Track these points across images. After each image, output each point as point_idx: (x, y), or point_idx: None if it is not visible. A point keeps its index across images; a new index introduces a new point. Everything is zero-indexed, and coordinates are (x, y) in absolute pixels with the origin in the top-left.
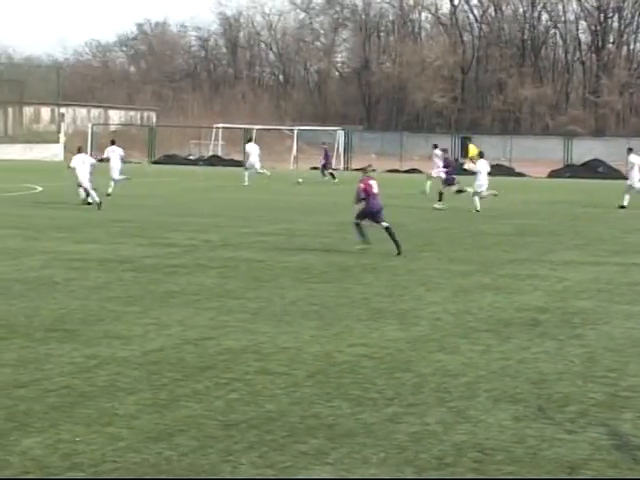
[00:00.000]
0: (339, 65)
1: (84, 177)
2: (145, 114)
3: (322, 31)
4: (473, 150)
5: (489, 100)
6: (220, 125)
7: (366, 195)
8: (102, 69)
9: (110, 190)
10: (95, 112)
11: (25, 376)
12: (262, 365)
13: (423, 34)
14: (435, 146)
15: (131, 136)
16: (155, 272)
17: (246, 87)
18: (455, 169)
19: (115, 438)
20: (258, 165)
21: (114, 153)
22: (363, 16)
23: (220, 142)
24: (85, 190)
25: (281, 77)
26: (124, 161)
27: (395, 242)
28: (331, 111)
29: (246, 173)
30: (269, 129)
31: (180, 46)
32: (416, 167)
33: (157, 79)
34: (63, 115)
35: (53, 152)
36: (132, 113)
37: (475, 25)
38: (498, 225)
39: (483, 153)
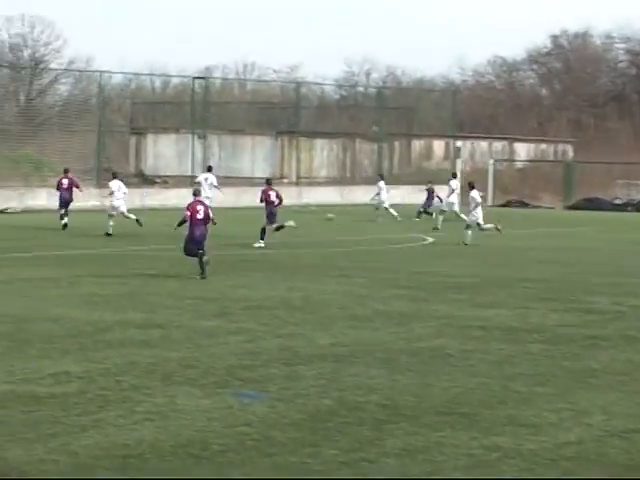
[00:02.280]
0: None
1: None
2: (560, 147)
3: None
4: None
5: None
6: None
7: None
8: (507, 92)
9: (468, 240)
10: (498, 145)
11: (413, 467)
12: None
13: None
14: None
15: (542, 174)
16: (571, 345)
17: None
18: None
19: None
20: None
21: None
22: None
23: None
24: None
25: None
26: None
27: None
28: None
29: None
30: None
31: (605, 62)
32: None
33: (575, 103)
34: (459, 149)
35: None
36: (543, 146)
37: None
38: None
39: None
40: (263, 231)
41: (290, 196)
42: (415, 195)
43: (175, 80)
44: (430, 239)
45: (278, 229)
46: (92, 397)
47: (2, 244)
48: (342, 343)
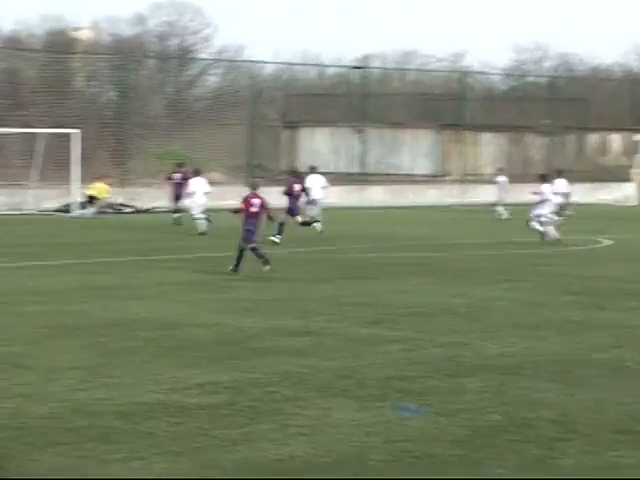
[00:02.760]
0: None
1: None
2: None
3: None
4: None
5: None
6: None
7: None
8: None
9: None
10: None
11: None
12: None
13: None
14: None
15: None
16: None
17: None
18: None
19: None
20: None
21: None
22: None
23: None
24: None
25: None
26: None
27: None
28: None
29: None
30: None
31: None
32: None
33: None
34: (638, 144)
35: (625, 193)
36: None
37: None
38: None
39: None
40: (281, 225)
41: (452, 195)
42: (589, 193)
43: (331, 70)
44: (607, 241)
45: (304, 224)
46: (242, 409)
47: (146, 245)
48: (509, 354)
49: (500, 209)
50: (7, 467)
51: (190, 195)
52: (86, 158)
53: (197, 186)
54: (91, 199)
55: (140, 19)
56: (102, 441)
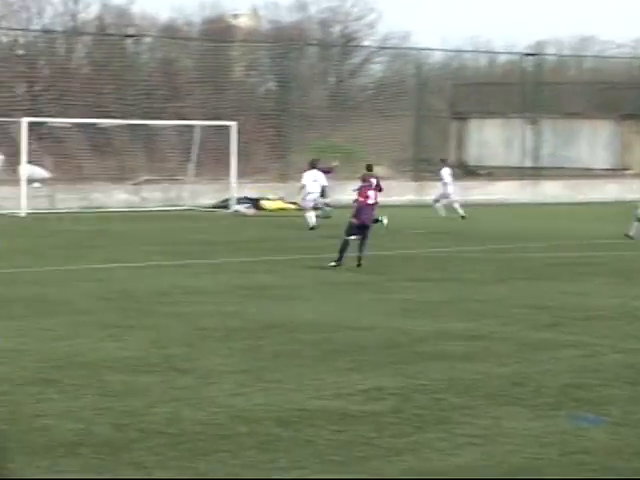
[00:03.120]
0: None
1: None
2: None
3: None
4: None
5: None
6: None
7: None
8: None
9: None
10: None
11: None
12: None
13: None
14: None
15: None
16: None
17: None
18: None
19: None
20: None
21: None
22: None
23: None
24: None
25: None
26: None
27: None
28: None
29: None
30: None
31: None
32: None
33: None
34: None
35: None
36: None
37: None
38: None
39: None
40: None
41: (633, 190)
42: None
43: (502, 58)
44: None
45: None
46: (408, 417)
47: (303, 244)
48: None
49: None
50: (163, 475)
51: (301, 189)
52: (243, 152)
53: (308, 178)
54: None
55: (301, 5)
56: (261, 449)
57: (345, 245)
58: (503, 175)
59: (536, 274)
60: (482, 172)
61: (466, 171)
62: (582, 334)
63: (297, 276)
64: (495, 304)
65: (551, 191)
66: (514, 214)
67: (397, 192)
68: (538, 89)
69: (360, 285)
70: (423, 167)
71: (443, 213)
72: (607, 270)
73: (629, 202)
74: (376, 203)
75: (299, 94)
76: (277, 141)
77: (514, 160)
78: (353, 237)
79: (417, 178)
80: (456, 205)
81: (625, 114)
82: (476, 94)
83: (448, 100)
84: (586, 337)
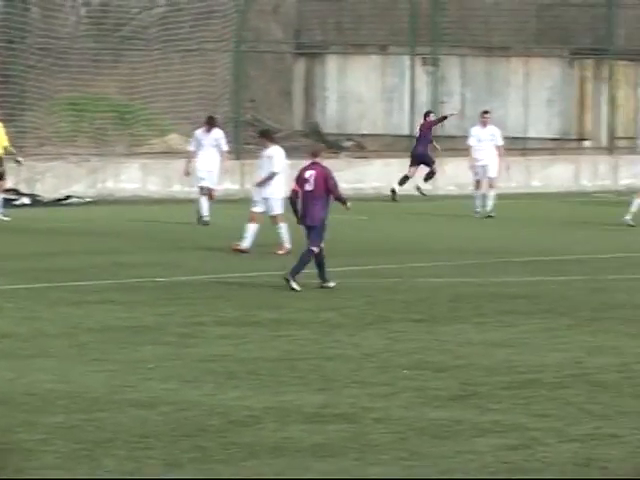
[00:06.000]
0: None
1: None
2: None
3: None
4: None
5: None
6: None
7: None
8: None
9: None
10: None
11: None
12: None
13: None
14: None
15: None
16: None
17: None
18: None
19: None
20: None
21: None
22: None
23: None
24: None
25: None
26: None
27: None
28: None
29: None
30: None
31: None
32: None
33: None
34: None
35: None
36: None
37: None
38: None
39: None
40: None
41: (594, 174)
42: None
43: None
44: None
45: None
46: None
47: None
48: None
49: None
50: None
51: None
52: None
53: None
54: None
55: None
56: None
57: None
58: (381, 149)
59: (432, 313)
60: (346, 144)
61: (320, 140)
62: (509, 411)
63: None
64: (364, 362)
65: (458, 175)
66: (393, 212)
67: (193, 179)
68: (438, 6)
69: (144, 331)
70: (249, 136)
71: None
72: (545, 306)
73: (588, 193)
74: None
75: (36, 17)
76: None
77: (399, 125)
78: None
79: (241, 155)
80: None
81: (580, 49)
82: (335, 15)
83: (289, 26)
84: (516, 416)
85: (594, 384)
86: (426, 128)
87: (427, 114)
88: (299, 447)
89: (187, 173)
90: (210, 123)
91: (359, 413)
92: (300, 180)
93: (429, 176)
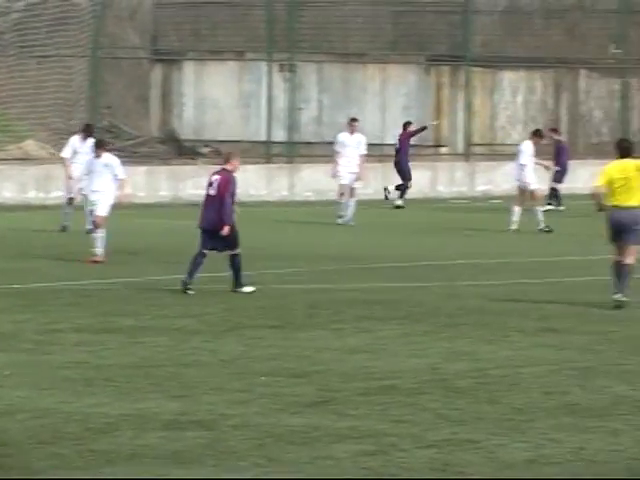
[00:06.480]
0: None
1: None
2: None
3: None
4: None
5: None
6: None
7: None
8: None
9: None
10: None
11: None
12: None
13: None
14: None
15: None
16: None
17: None
18: None
19: None
20: None
21: None
22: None
23: None
24: None
25: None
26: None
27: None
28: None
29: None
30: None
31: None
32: None
33: None
34: None
35: None
36: None
37: None
38: None
39: None
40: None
41: (450, 180)
42: None
43: None
44: None
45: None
46: None
47: None
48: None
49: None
50: None
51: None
52: None
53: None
54: None
55: None
56: None
57: None
58: (240, 154)
59: (289, 319)
60: (204, 150)
61: (176, 148)
62: (366, 417)
63: None
64: (221, 369)
65: (315, 181)
66: (251, 218)
67: (49, 186)
68: (294, 13)
69: None
70: (109, 142)
71: None
72: (403, 312)
73: (444, 200)
74: None
75: None
76: None
77: (256, 131)
78: None
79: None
80: None
81: (436, 56)
82: (193, 22)
83: (146, 32)
84: (373, 422)
85: (451, 390)
86: (405, 138)
87: (406, 124)
88: (157, 454)
89: (70, 177)
90: (86, 131)
91: (217, 420)
92: (208, 184)
93: (400, 188)
